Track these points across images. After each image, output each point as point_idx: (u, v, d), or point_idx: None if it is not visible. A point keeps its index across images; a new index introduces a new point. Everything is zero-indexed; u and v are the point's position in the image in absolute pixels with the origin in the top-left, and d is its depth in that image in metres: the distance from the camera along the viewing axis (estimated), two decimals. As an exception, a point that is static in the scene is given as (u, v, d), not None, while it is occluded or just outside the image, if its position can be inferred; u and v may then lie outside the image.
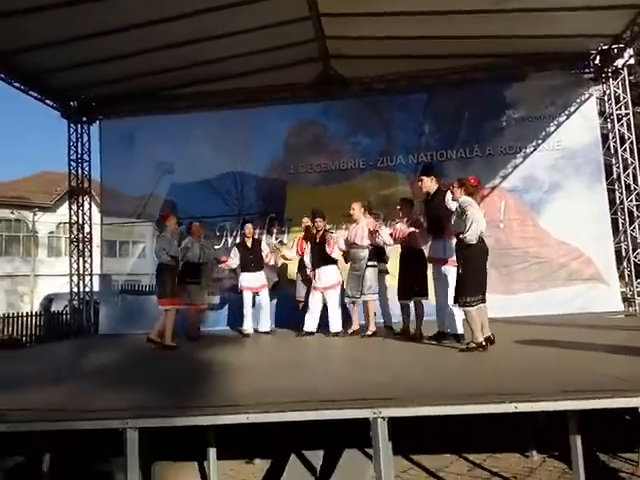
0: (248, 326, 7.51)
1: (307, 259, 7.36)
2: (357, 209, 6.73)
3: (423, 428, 3.77)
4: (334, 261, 7.03)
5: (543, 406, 2.82)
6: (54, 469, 3.72)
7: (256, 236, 8.10)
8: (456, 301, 4.95)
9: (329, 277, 6.98)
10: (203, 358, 5.68)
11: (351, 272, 6.71)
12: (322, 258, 7.01)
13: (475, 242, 4.76)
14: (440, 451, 4.18)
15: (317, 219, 7.21)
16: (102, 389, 4.09)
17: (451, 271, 5.33)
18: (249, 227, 7.77)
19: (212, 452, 3.61)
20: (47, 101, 9.58)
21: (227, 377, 4.32)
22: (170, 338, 6.45)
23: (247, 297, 7.52)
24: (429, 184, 5.67)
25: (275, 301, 8.66)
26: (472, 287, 4.81)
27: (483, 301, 4.88)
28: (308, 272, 7.37)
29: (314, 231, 7.26)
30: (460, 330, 5.39)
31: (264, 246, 7.89)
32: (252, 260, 7.61)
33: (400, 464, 4.00)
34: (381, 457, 2.70)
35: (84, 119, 10.23)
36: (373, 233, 6.35)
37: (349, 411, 2.82)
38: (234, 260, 7.65)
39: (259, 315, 7.75)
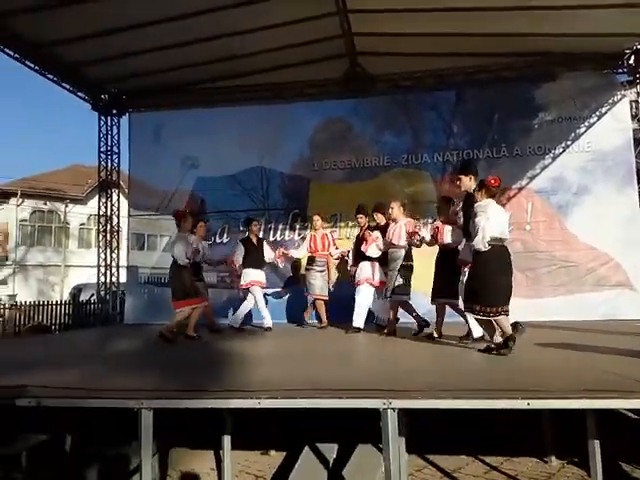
0: (268, 319, 7.52)
1: (351, 255, 7.38)
2: (396, 208, 6.47)
3: (439, 427, 3.74)
4: (371, 258, 6.91)
5: (555, 404, 2.77)
6: (74, 450, 3.83)
7: (261, 234, 8.13)
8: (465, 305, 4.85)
9: (361, 273, 6.95)
10: (221, 348, 5.76)
11: (387, 272, 6.55)
12: (359, 254, 7.00)
13: (484, 249, 4.55)
14: (456, 452, 4.15)
15: (359, 215, 7.19)
16: (120, 372, 4.18)
17: None
18: (256, 224, 7.73)
19: (227, 440, 3.66)
20: (79, 93, 9.78)
21: (242, 366, 4.37)
22: (193, 329, 6.57)
23: (258, 291, 7.47)
24: (468, 183, 5.29)
25: (288, 296, 8.92)
26: (473, 294, 4.65)
27: (498, 313, 4.53)
28: (348, 268, 7.42)
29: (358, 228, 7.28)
30: (479, 333, 5.26)
31: (267, 248, 7.78)
32: (258, 257, 7.55)
33: (415, 463, 3.98)
34: (390, 448, 2.68)
35: (114, 112, 10.37)
36: (412, 235, 6.10)
37: (359, 400, 2.82)
38: (239, 257, 7.54)
39: (241, 309, 7.68)
